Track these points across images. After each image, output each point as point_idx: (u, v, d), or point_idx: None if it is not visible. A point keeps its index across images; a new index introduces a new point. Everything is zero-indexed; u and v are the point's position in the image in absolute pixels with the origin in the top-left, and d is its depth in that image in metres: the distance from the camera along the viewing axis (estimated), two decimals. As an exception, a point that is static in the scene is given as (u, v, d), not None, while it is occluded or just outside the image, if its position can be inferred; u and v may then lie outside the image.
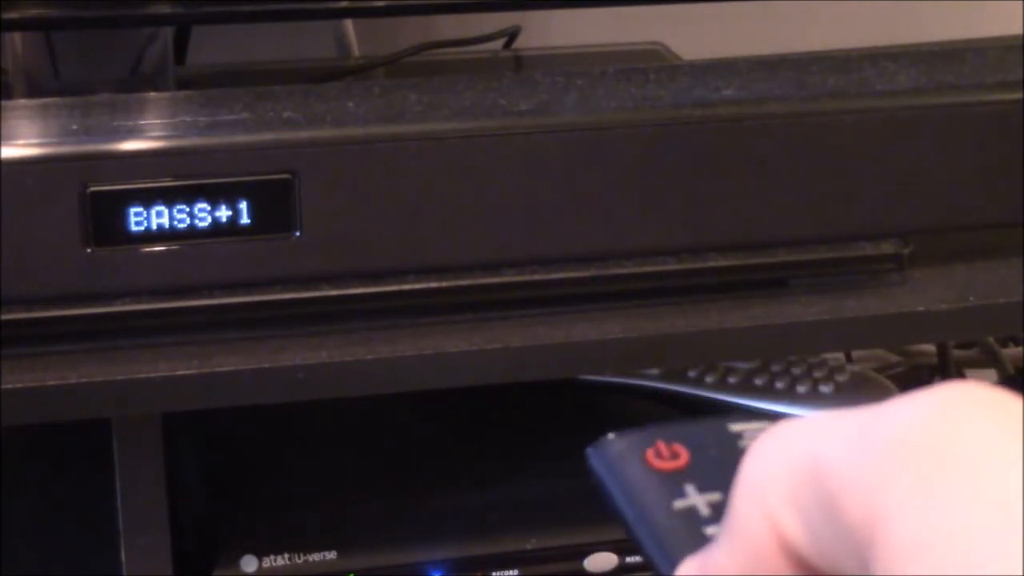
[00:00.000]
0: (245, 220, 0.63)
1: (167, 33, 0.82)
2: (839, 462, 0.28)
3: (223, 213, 0.63)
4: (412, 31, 1.03)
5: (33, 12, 0.73)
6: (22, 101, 0.75)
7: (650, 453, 0.35)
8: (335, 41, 1.01)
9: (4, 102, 0.68)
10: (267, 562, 0.73)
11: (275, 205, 0.63)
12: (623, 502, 0.35)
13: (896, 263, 0.71)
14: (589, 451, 0.36)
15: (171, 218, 0.62)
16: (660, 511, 0.34)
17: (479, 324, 0.67)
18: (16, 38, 0.79)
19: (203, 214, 0.63)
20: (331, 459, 0.82)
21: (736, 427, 0.36)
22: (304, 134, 0.64)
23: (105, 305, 0.63)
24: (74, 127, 0.64)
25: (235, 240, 0.63)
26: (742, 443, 0.36)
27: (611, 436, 0.36)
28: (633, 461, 0.35)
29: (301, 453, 0.83)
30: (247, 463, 0.81)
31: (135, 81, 0.79)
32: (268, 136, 0.64)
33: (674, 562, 0.33)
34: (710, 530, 0.34)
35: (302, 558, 0.73)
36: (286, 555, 0.73)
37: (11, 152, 0.61)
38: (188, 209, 0.63)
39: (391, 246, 0.65)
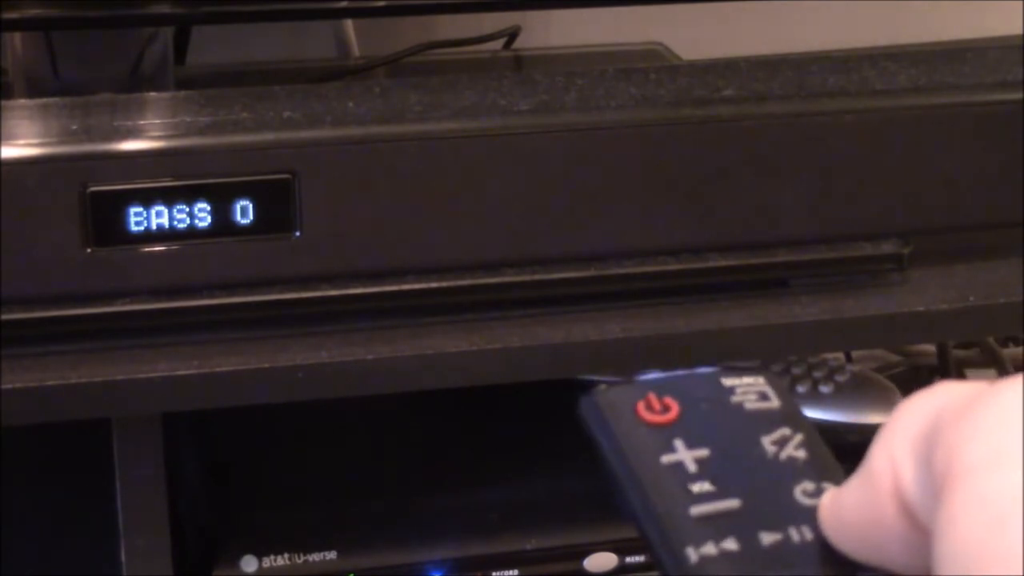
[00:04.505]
0: (245, 220, 0.63)
1: (167, 33, 0.82)
2: (947, 417, 0.30)
3: (223, 213, 0.63)
4: (412, 31, 1.03)
5: (33, 12, 0.73)
6: (22, 101, 0.75)
7: (641, 406, 0.35)
8: (335, 41, 1.01)
9: (4, 102, 0.68)
10: (267, 562, 0.73)
11: (275, 205, 0.63)
12: (611, 455, 0.35)
13: (896, 263, 0.71)
14: (581, 401, 0.36)
15: (171, 218, 0.62)
16: (648, 465, 0.35)
17: (479, 324, 0.67)
18: (16, 38, 0.79)
19: (203, 214, 0.63)
20: (331, 459, 0.82)
21: (728, 382, 0.37)
22: (304, 134, 0.64)
23: (105, 305, 0.63)
24: (74, 127, 0.64)
25: (235, 240, 0.63)
26: (734, 398, 0.36)
27: (603, 387, 0.36)
28: (624, 413, 0.35)
29: (301, 453, 0.83)
30: (247, 463, 0.81)
31: (135, 81, 0.79)
32: (268, 136, 0.64)
33: (657, 517, 0.34)
34: (695, 487, 0.34)
35: (302, 558, 0.73)
36: (286, 555, 0.73)
37: (11, 152, 0.61)
38: (188, 209, 0.63)
39: (391, 246, 0.65)
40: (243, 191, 0.63)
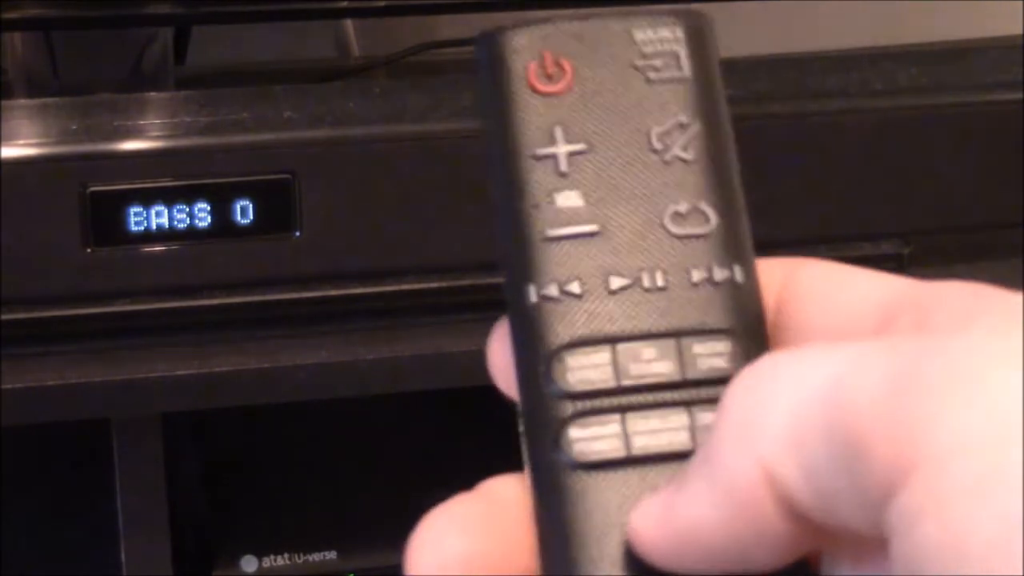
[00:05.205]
0: (245, 220, 0.63)
1: (167, 33, 0.82)
2: (871, 399, 0.24)
3: (223, 213, 0.63)
4: (412, 31, 1.03)
5: (33, 12, 0.73)
6: (22, 101, 0.75)
7: (533, 67, 0.30)
8: (335, 41, 1.01)
9: (4, 102, 0.68)
10: (267, 562, 0.73)
11: (275, 205, 0.63)
12: (492, 120, 0.31)
13: (896, 263, 0.71)
14: (476, 40, 0.32)
15: (171, 218, 0.63)
16: (518, 152, 0.31)
17: (479, 324, 0.67)
18: (16, 38, 0.79)
19: (203, 214, 0.63)
20: (331, 459, 0.82)
21: (641, 35, 0.30)
22: (304, 134, 0.64)
23: (105, 305, 0.64)
24: (74, 127, 0.64)
25: (235, 240, 0.63)
26: (640, 62, 0.30)
27: (509, 29, 0.31)
28: (514, 71, 0.31)
29: (301, 453, 0.83)
30: (247, 463, 0.81)
31: (135, 81, 0.79)
32: (268, 136, 0.64)
33: (512, 229, 0.30)
34: (560, 199, 0.30)
35: (302, 558, 0.73)
36: (286, 555, 0.73)
37: (11, 152, 0.61)
38: (188, 209, 0.63)
39: (391, 246, 0.65)
40: (243, 191, 0.63)
